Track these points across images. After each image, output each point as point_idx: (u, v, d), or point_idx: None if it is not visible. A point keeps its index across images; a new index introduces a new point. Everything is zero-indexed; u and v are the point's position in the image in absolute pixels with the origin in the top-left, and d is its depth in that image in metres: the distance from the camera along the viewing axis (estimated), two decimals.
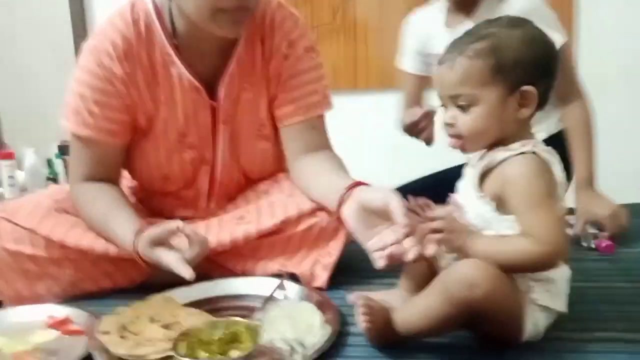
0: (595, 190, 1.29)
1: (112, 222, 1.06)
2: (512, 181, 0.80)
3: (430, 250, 0.83)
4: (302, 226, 1.09)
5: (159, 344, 0.87)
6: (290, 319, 0.93)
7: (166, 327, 0.93)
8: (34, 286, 1.08)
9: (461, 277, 0.75)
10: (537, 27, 0.85)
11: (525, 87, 0.81)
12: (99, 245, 1.07)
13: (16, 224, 1.06)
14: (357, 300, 0.86)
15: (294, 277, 1.08)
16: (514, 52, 0.81)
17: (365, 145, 1.51)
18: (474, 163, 0.88)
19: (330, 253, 1.08)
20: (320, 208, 1.10)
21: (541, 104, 0.84)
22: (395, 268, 0.89)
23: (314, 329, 0.90)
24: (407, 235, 0.85)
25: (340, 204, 0.99)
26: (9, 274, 1.07)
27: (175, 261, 0.97)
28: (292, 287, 1.03)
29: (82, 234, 1.08)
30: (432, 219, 0.83)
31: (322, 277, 1.08)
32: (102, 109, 1.09)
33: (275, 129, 1.20)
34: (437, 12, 1.48)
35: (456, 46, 0.84)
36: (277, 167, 1.25)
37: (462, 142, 0.85)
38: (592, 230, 1.22)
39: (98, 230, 1.09)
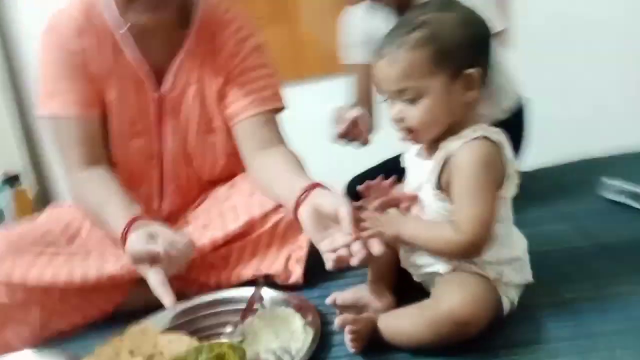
0: None
1: (110, 205, 1.08)
2: (459, 168, 0.81)
3: (376, 249, 0.83)
4: (269, 224, 1.09)
5: None
6: (271, 327, 0.94)
7: (149, 358, 0.92)
8: (2, 335, 1.04)
9: (452, 318, 0.76)
10: (466, 6, 0.85)
11: (469, 70, 0.81)
12: (62, 274, 1.04)
13: None
14: (332, 302, 0.89)
15: (268, 278, 1.08)
16: (452, 36, 0.81)
17: (313, 134, 1.49)
18: (422, 153, 0.88)
19: (301, 246, 1.09)
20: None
21: (484, 83, 0.84)
22: (344, 268, 0.89)
23: (296, 334, 0.92)
24: (355, 239, 0.85)
25: (297, 205, 0.97)
26: None
27: (157, 284, 0.96)
28: (268, 294, 1.02)
29: (42, 268, 1.04)
30: (361, 220, 0.85)
31: (296, 272, 1.08)
32: (72, 82, 1.12)
33: (225, 125, 1.19)
34: (375, 8, 1.45)
35: (393, 38, 0.83)
36: (230, 166, 1.23)
37: (414, 134, 0.85)
38: None
39: (94, 218, 1.13)
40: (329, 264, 0.87)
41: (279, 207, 1.09)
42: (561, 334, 0.82)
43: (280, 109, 1.21)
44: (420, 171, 0.87)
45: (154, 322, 1.01)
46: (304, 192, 0.97)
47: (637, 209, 1.17)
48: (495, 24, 1.13)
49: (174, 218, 1.22)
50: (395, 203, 0.91)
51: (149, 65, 1.15)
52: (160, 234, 0.98)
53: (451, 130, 0.84)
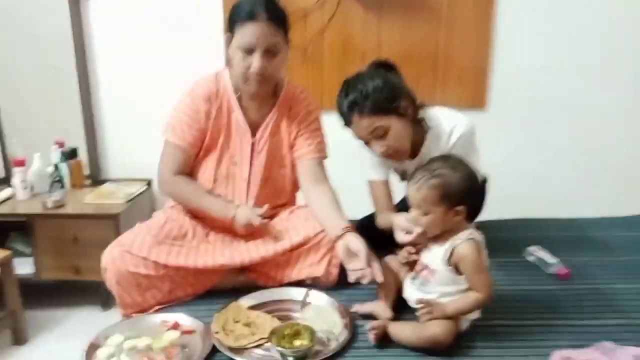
0: None
1: (209, 199, 1.76)
2: (465, 258, 1.37)
3: (379, 278, 1.51)
4: (317, 239, 1.70)
5: (249, 337, 1.46)
6: (320, 317, 1.53)
7: (247, 325, 1.52)
8: (144, 295, 1.63)
9: (432, 339, 1.35)
10: (467, 166, 1.41)
11: (458, 207, 1.39)
12: (187, 261, 1.64)
13: (134, 255, 1.60)
14: (359, 311, 1.54)
15: (315, 280, 1.69)
16: (454, 187, 1.37)
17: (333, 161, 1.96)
18: (432, 245, 1.46)
19: (337, 255, 1.68)
20: None
21: (472, 213, 1.42)
22: (359, 283, 1.55)
23: (336, 323, 1.52)
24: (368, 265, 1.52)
25: (336, 240, 1.63)
26: (128, 287, 1.61)
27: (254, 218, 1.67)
28: (318, 296, 1.64)
29: (176, 258, 1.63)
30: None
31: (333, 273, 1.70)
32: (189, 128, 1.76)
33: (291, 164, 1.84)
34: None
35: (421, 174, 1.40)
36: (291, 193, 1.91)
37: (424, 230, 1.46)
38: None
39: (194, 202, 1.78)
40: (350, 278, 1.55)
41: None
42: (490, 342, 1.44)
43: (326, 157, 1.87)
44: (431, 252, 1.45)
45: (242, 302, 1.62)
46: (341, 233, 1.62)
47: (544, 271, 1.82)
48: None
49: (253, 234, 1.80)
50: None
51: (250, 121, 1.78)
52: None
53: (449, 232, 1.42)
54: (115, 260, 1.60)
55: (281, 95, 1.81)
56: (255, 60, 1.61)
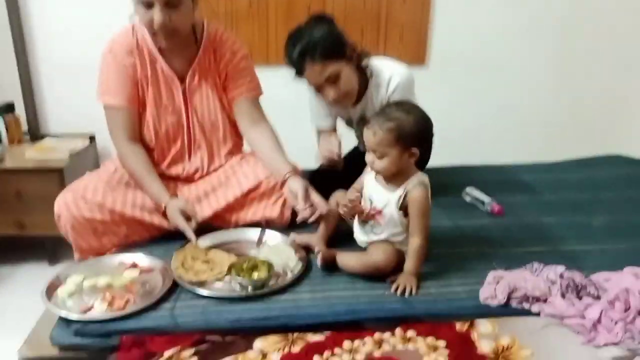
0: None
1: (150, 181, 1.69)
2: (415, 201, 1.46)
3: (324, 210, 1.62)
4: (271, 183, 1.76)
5: (208, 273, 1.52)
6: (276, 253, 1.62)
7: (205, 262, 1.58)
8: (100, 240, 1.65)
9: (375, 265, 1.48)
10: (422, 111, 1.49)
11: (413, 149, 1.45)
12: (144, 216, 1.68)
13: (88, 200, 1.62)
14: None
15: (270, 221, 1.77)
16: (409, 129, 1.43)
17: (280, 115, 2.01)
18: (380, 181, 1.53)
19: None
20: None
21: (423, 157, 1.49)
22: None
23: (290, 258, 1.61)
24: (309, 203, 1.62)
25: (282, 185, 1.71)
26: (84, 232, 1.63)
27: (187, 229, 1.63)
28: (273, 235, 1.72)
29: (132, 208, 1.66)
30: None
31: (286, 214, 1.78)
32: (122, 86, 1.69)
33: (228, 105, 1.83)
34: None
35: (377, 120, 1.46)
36: (236, 134, 1.90)
37: (378, 173, 1.52)
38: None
39: (137, 181, 1.71)
40: (298, 219, 1.63)
41: None
42: (432, 268, 1.57)
43: (259, 94, 1.87)
44: (384, 196, 1.51)
45: (200, 242, 1.67)
46: (285, 179, 1.69)
47: (479, 209, 2.00)
48: None
49: (199, 173, 1.84)
50: (362, 213, 1.56)
51: (175, 70, 1.74)
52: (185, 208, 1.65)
53: (401, 173, 1.49)
54: (70, 206, 1.61)
55: (203, 39, 1.75)
56: (156, 15, 1.56)
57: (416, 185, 1.48)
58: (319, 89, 1.79)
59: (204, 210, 1.73)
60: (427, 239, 1.49)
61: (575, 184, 2.26)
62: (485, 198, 1.99)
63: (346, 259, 1.55)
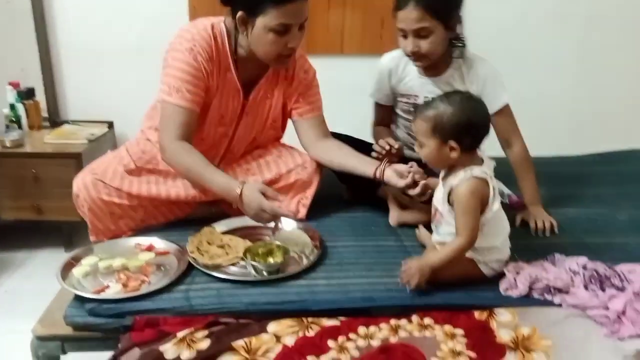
0: (537, 206, 1.80)
1: (212, 173, 1.59)
2: (457, 197, 1.36)
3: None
4: (291, 179, 1.74)
5: (223, 256, 1.51)
6: (292, 239, 1.60)
7: (220, 247, 1.57)
8: (117, 223, 1.65)
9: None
10: (473, 103, 1.38)
11: (451, 142, 1.36)
12: (162, 194, 1.65)
13: (107, 184, 1.61)
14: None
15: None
16: (446, 121, 1.35)
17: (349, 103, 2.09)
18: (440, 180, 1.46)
19: (307, 197, 1.76)
20: (299, 165, 1.76)
21: (467, 150, 1.37)
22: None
23: (307, 245, 1.59)
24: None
25: (382, 172, 1.60)
26: (101, 215, 1.63)
27: (277, 209, 1.54)
28: (289, 222, 1.69)
29: (148, 189, 1.64)
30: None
31: (302, 212, 1.75)
32: (195, 89, 1.60)
33: (282, 124, 1.84)
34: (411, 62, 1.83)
35: (422, 106, 1.42)
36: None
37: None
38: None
39: (195, 176, 1.61)
40: (414, 192, 1.55)
41: (297, 166, 1.76)
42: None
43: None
44: (440, 192, 1.44)
45: (216, 226, 1.66)
46: (384, 166, 1.62)
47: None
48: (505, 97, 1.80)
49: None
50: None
51: (243, 82, 1.69)
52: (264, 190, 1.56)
53: (452, 167, 1.40)
54: (88, 187, 1.61)
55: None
56: (295, 38, 1.56)
57: (463, 181, 1.36)
58: (404, 34, 1.69)
59: None
60: (471, 240, 1.37)
61: (599, 177, 2.20)
62: (505, 189, 1.95)
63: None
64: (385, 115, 1.97)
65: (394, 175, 1.59)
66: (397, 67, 1.86)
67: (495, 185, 1.39)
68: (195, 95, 1.60)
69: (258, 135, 1.82)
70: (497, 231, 1.44)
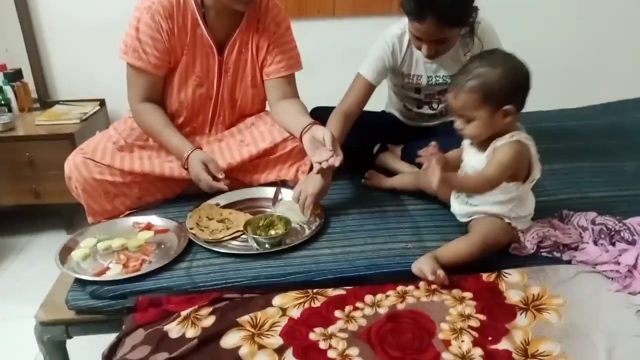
0: None
1: (169, 134, 1.60)
2: (497, 152, 1.29)
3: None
4: (287, 148, 1.69)
5: (224, 231, 1.48)
6: (292, 210, 1.56)
7: (221, 221, 1.54)
8: (112, 202, 1.61)
9: (484, 237, 1.31)
10: (510, 60, 1.26)
11: (506, 107, 1.26)
12: (156, 169, 1.61)
13: (97, 162, 1.56)
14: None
15: (283, 182, 1.71)
16: (496, 86, 1.24)
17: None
18: (475, 145, 1.38)
19: (305, 163, 1.70)
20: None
21: (519, 110, 1.30)
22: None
23: (307, 215, 1.56)
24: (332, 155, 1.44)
25: (301, 135, 1.57)
26: (96, 195, 1.59)
27: (207, 179, 1.52)
28: (289, 193, 1.65)
29: (141, 165, 1.60)
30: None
31: (301, 179, 1.68)
32: (152, 49, 1.57)
33: (262, 82, 1.75)
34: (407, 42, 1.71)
35: (458, 80, 1.28)
36: (260, 107, 1.82)
37: (468, 137, 1.37)
38: None
39: (154, 136, 1.63)
40: (314, 171, 1.50)
41: (292, 136, 1.69)
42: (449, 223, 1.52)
43: (298, 70, 1.76)
44: (476, 158, 1.36)
45: (215, 201, 1.62)
46: (306, 126, 1.57)
47: None
48: None
49: (219, 139, 1.75)
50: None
51: (215, 37, 1.63)
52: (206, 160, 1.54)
53: (497, 134, 1.31)
54: (79, 167, 1.57)
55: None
56: None
57: (506, 143, 1.29)
58: (419, 40, 1.59)
59: (219, 162, 1.64)
60: (484, 189, 1.32)
61: (603, 129, 2.16)
62: None
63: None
64: (365, 97, 1.75)
65: (311, 142, 1.51)
66: (400, 47, 1.72)
67: (535, 152, 1.34)
68: (151, 57, 1.58)
69: (239, 95, 1.74)
70: (533, 198, 1.42)
